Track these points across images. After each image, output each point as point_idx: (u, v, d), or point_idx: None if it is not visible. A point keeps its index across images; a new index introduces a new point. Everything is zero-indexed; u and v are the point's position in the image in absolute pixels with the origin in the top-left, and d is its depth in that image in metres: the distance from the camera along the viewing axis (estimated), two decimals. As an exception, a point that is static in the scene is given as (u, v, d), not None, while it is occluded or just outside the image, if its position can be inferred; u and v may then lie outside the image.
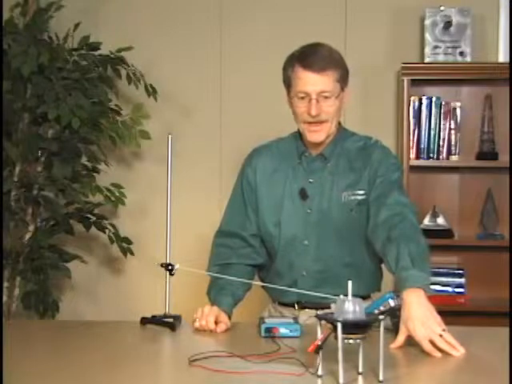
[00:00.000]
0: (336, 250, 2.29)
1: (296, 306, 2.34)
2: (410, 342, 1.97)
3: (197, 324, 2.18)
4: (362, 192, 2.27)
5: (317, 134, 2.26)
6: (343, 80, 2.27)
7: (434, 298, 3.78)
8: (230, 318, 2.25)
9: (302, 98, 2.23)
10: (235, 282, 2.26)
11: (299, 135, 2.36)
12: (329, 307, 2.16)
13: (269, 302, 2.48)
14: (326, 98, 2.22)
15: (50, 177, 3.45)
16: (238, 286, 2.30)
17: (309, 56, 2.24)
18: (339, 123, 2.38)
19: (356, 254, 2.31)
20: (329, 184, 2.30)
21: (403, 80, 3.54)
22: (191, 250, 3.30)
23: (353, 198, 2.27)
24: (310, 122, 2.25)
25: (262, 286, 2.35)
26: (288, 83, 2.28)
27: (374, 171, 2.28)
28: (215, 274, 2.29)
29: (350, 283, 1.71)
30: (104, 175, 3.61)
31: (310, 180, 2.32)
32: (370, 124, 3.77)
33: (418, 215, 2.20)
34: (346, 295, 1.70)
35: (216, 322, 2.17)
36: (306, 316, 2.31)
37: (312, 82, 2.21)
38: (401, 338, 1.95)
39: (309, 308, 2.31)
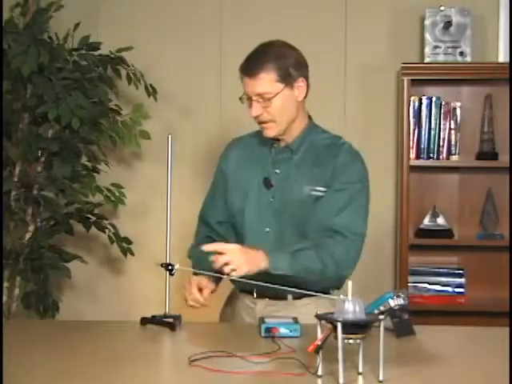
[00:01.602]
0: (294, 240, 2.32)
1: (255, 294, 2.38)
2: (410, 342, 1.97)
3: (190, 303, 2.30)
4: (322, 189, 2.32)
5: (267, 131, 2.35)
6: (287, 78, 2.30)
7: (434, 298, 3.81)
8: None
9: (248, 100, 2.32)
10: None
11: None
12: (286, 298, 2.31)
13: (232, 292, 2.54)
14: (266, 99, 2.29)
15: (50, 177, 3.45)
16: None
17: (246, 61, 2.34)
18: (309, 117, 2.44)
19: None
20: (293, 176, 2.36)
21: (403, 80, 3.53)
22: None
23: (313, 193, 2.32)
24: (257, 122, 2.35)
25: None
26: (242, 86, 2.37)
27: (337, 174, 2.32)
28: (215, 274, 2.29)
29: (349, 283, 1.71)
30: (104, 175, 3.61)
31: (276, 171, 2.38)
32: (370, 124, 3.77)
33: (352, 242, 2.27)
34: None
35: (200, 290, 2.29)
36: (264, 305, 2.37)
37: (249, 85, 2.30)
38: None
39: (267, 297, 2.36)
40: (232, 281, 2.42)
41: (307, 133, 2.40)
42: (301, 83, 2.33)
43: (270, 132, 2.34)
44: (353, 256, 2.29)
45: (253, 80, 2.28)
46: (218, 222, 2.49)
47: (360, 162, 2.38)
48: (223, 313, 2.53)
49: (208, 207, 2.53)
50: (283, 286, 2.15)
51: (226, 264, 2.10)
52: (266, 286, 2.14)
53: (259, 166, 2.40)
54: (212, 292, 2.35)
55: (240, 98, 2.34)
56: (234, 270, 2.10)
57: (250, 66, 2.30)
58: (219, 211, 2.48)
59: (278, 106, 2.29)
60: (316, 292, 2.15)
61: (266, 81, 2.27)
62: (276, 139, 2.39)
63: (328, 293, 2.32)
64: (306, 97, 2.37)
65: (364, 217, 2.34)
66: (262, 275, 2.18)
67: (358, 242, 2.30)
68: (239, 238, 2.40)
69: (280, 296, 2.33)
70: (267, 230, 2.35)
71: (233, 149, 2.51)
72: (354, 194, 2.32)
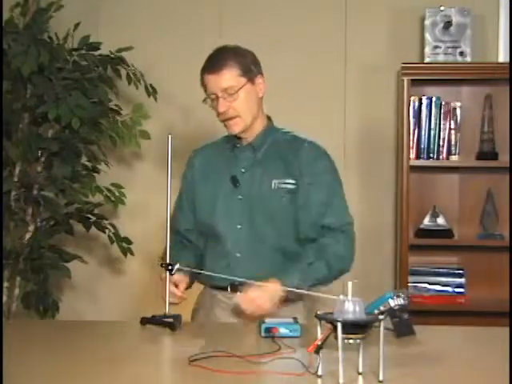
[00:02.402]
0: (267, 235, 2.40)
1: (229, 289, 2.39)
2: (410, 342, 1.97)
3: (175, 300, 2.31)
4: (292, 181, 2.40)
5: (232, 128, 2.42)
6: (248, 73, 2.40)
7: (434, 298, 3.81)
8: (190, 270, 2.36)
9: (213, 99, 2.40)
10: (184, 254, 2.45)
11: None
12: None
13: (202, 291, 2.55)
14: (231, 94, 2.37)
15: (50, 177, 3.45)
16: (188, 256, 2.47)
17: (208, 61, 2.44)
18: (269, 118, 2.51)
19: (287, 239, 2.41)
20: (259, 172, 2.43)
21: (403, 80, 3.54)
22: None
23: (283, 186, 2.40)
24: (223, 119, 2.42)
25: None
26: (203, 89, 2.46)
27: (306, 169, 2.40)
28: (214, 274, 2.34)
29: (349, 284, 1.71)
30: (104, 175, 3.61)
31: (242, 169, 2.44)
32: (370, 124, 3.77)
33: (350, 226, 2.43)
34: (348, 295, 1.70)
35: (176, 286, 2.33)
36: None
37: (214, 81, 2.39)
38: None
39: (241, 292, 2.37)
40: (203, 280, 2.47)
41: (268, 131, 2.48)
42: (260, 80, 2.43)
43: (236, 128, 2.41)
44: (350, 247, 2.42)
45: (216, 76, 2.37)
46: (186, 229, 2.54)
47: (326, 154, 2.47)
48: (196, 313, 2.54)
49: (176, 215, 2.56)
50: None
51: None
52: (243, 280, 2.25)
53: (225, 167, 2.47)
54: (187, 287, 2.39)
55: (204, 100, 2.43)
56: (263, 314, 2.20)
57: (213, 64, 2.40)
58: (187, 219, 2.54)
59: (243, 100, 2.38)
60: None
61: (230, 75, 2.37)
62: (238, 138, 2.45)
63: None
64: (262, 96, 2.46)
65: (346, 206, 2.46)
66: (234, 272, 2.31)
67: (352, 231, 2.43)
68: (209, 239, 2.47)
69: None
70: (239, 226, 2.41)
71: (197, 157, 2.58)
72: (330, 186, 2.43)
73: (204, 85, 2.43)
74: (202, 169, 2.54)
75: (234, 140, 2.48)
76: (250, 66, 2.41)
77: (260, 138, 2.46)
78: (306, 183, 2.40)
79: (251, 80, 2.40)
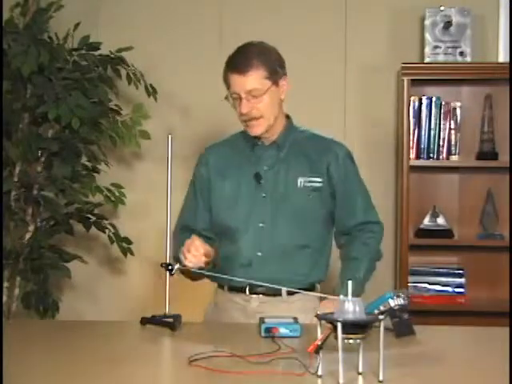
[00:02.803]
0: (291, 232, 2.38)
1: (247, 291, 2.37)
2: (410, 342, 1.97)
3: (191, 260, 2.23)
4: (318, 180, 2.39)
5: (255, 129, 2.37)
6: (274, 75, 2.35)
7: (434, 298, 3.80)
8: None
9: (235, 98, 2.35)
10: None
11: None
12: (280, 294, 2.31)
13: (215, 291, 2.50)
14: (255, 96, 2.32)
15: (50, 177, 3.45)
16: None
17: (233, 59, 2.37)
18: (287, 116, 2.48)
19: (311, 238, 2.40)
20: (283, 170, 2.40)
21: (403, 80, 3.53)
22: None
23: (309, 184, 2.39)
24: (245, 120, 2.36)
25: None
26: (226, 85, 2.40)
27: (337, 166, 2.42)
28: (214, 274, 2.32)
29: (349, 283, 1.72)
30: (104, 175, 3.61)
31: (265, 167, 2.41)
32: (370, 124, 3.77)
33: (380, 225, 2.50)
34: (347, 295, 1.70)
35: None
36: (257, 302, 2.37)
37: (238, 83, 2.33)
38: None
39: (260, 294, 2.37)
40: (217, 280, 2.42)
41: (289, 129, 2.46)
42: (284, 82, 2.39)
43: (258, 129, 2.37)
44: (380, 242, 2.49)
45: (241, 77, 2.31)
46: (204, 228, 2.48)
47: (350, 152, 2.51)
48: (210, 313, 2.49)
49: (191, 215, 2.51)
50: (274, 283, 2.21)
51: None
52: (261, 284, 2.21)
53: (245, 165, 2.43)
54: (207, 261, 2.27)
55: (225, 98, 2.38)
56: None
57: (238, 63, 2.33)
58: (203, 218, 2.48)
59: (267, 102, 2.34)
60: (302, 287, 2.27)
61: (255, 78, 2.32)
62: (258, 138, 2.42)
63: (314, 287, 2.41)
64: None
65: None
66: (254, 271, 2.28)
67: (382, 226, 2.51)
68: (228, 240, 2.42)
69: (274, 292, 2.34)
70: (261, 225, 2.38)
71: (211, 154, 2.53)
72: (362, 184, 2.48)
73: (227, 82, 2.37)
74: (218, 167, 2.48)
75: (252, 138, 2.42)
76: (275, 68, 2.36)
77: (283, 137, 2.43)
78: (339, 182, 2.40)
79: (276, 82, 2.35)
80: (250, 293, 2.38)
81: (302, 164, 2.40)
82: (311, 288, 2.38)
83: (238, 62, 2.34)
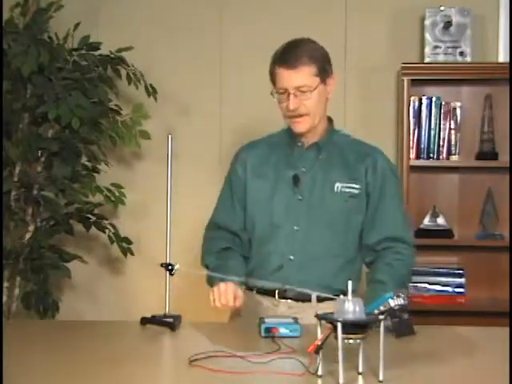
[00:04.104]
0: (326, 239, 2.33)
1: (277, 295, 2.35)
2: (410, 342, 1.97)
3: (217, 304, 2.19)
4: (357, 186, 2.34)
5: (299, 125, 2.33)
6: (323, 73, 2.32)
7: (434, 298, 3.80)
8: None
9: (282, 93, 2.30)
10: (235, 265, 2.33)
11: (290, 128, 2.40)
12: (309, 299, 2.22)
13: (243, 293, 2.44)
14: (304, 92, 2.28)
15: (50, 177, 3.45)
16: (239, 268, 2.34)
17: (285, 53, 2.31)
18: (330, 118, 2.44)
19: (345, 247, 2.36)
20: (321, 174, 2.36)
21: (403, 80, 3.53)
22: (191, 249, 3.30)
23: (347, 190, 2.34)
24: (290, 116, 2.32)
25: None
26: (272, 80, 2.35)
27: (377, 181, 2.36)
28: (215, 274, 2.29)
29: (350, 283, 1.72)
30: (104, 175, 3.61)
31: (303, 169, 2.37)
32: (370, 124, 3.77)
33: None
34: (346, 294, 1.70)
35: (234, 298, 2.20)
36: (286, 307, 2.34)
37: (287, 78, 2.28)
38: None
39: (289, 298, 2.34)
40: (246, 282, 2.39)
41: (331, 132, 2.42)
42: (331, 81, 2.36)
43: (303, 126, 2.33)
44: (408, 267, 2.40)
45: (292, 72, 2.27)
46: (241, 228, 2.43)
47: (393, 165, 2.48)
48: (238, 316, 2.44)
49: (227, 215, 2.45)
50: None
51: None
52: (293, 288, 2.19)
53: (283, 166, 2.38)
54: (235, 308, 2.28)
55: (271, 93, 2.33)
56: None
57: (289, 58, 2.29)
58: (240, 218, 2.43)
59: (315, 100, 2.30)
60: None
61: (306, 74, 2.28)
62: (298, 138, 2.37)
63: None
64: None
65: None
66: (285, 275, 2.25)
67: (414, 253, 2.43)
68: (260, 238, 2.38)
69: (303, 298, 2.28)
70: (296, 228, 2.34)
71: (249, 153, 2.46)
72: (400, 198, 2.44)
73: (273, 76, 2.33)
74: (255, 166, 2.42)
75: (293, 139, 2.39)
76: (325, 66, 2.33)
77: (325, 139, 2.39)
78: (373, 191, 2.35)
79: (324, 81, 2.32)
80: (279, 297, 2.35)
81: (341, 169, 2.35)
82: None
83: (289, 56, 2.29)
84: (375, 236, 2.35)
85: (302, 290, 2.14)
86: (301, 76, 2.27)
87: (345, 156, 2.38)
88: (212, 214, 2.51)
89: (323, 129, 2.40)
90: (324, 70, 2.32)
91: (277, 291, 2.33)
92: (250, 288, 2.41)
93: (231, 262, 2.35)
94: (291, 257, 2.33)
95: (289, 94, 2.28)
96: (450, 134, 3.63)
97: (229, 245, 2.42)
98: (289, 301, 2.34)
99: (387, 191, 2.37)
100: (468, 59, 3.57)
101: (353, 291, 2.33)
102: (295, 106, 2.28)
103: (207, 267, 2.39)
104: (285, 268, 2.33)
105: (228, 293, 2.19)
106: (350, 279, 2.32)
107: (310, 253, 2.33)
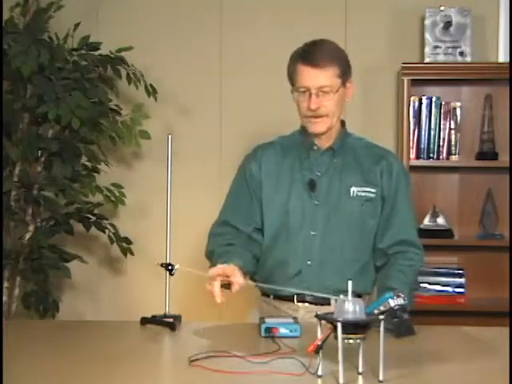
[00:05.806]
0: (342, 245, 2.32)
1: (295, 300, 2.33)
2: (410, 342, 1.97)
3: (208, 287, 2.14)
4: (373, 190, 2.34)
5: (317, 126, 2.31)
6: (344, 75, 2.32)
7: (434, 298, 3.80)
8: (245, 275, 2.22)
9: (303, 92, 2.28)
10: (241, 252, 2.29)
11: (305, 130, 2.38)
12: (329, 303, 2.20)
13: (259, 299, 2.45)
14: (326, 92, 2.27)
15: (50, 177, 3.45)
16: (245, 256, 2.30)
17: (309, 52, 2.29)
18: (343, 122, 2.43)
19: (362, 251, 2.36)
20: (337, 178, 2.34)
21: (403, 80, 3.53)
22: (191, 249, 3.30)
23: (363, 194, 2.33)
24: (309, 116, 2.30)
25: (255, 281, 2.35)
26: (291, 78, 2.33)
27: (392, 185, 2.37)
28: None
29: (350, 283, 1.72)
30: (104, 175, 3.61)
31: (318, 173, 2.35)
32: (370, 124, 3.77)
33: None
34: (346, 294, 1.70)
35: (229, 284, 2.14)
36: (304, 311, 2.33)
37: (311, 76, 2.26)
38: None
39: (308, 302, 2.33)
40: (263, 288, 2.36)
41: (345, 136, 2.41)
42: (350, 84, 2.36)
43: (320, 127, 2.31)
44: (418, 272, 2.40)
45: (315, 70, 2.26)
46: (257, 228, 2.40)
47: (406, 169, 2.51)
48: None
49: (240, 213, 2.41)
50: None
51: None
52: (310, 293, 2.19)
53: (298, 169, 2.36)
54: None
55: (292, 92, 2.31)
56: None
57: (313, 56, 2.27)
58: (256, 218, 2.39)
59: (336, 101, 2.29)
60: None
61: (329, 74, 2.27)
62: (312, 140, 2.35)
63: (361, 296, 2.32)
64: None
65: None
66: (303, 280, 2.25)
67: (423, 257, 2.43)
68: (276, 242, 2.35)
69: (322, 302, 2.26)
70: (313, 233, 2.33)
71: (264, 153, 2.43)
72: (409, 202, 2.43)
73: (294, 75, 2.30)
74: (270, 167, 2.39)
75: (308, 141, 2.37)
76: (346, 68, 2.33)
77: (339, 143, 2.38)
78: (388, 195, 2.35)
79: (344, 83, 2.32)
80: (298, 301, 2.33)
81: (356, 173, 2.35)
82: None
83: (314, 56, 2.27)
84: (388, 240, 2.35)
85: (321, 295, 2.11)
86: (325, 75, 2.26)
87: (359, 160, 2.37)
88: (220, 211, 2.47)
89: (336, 132, 2.39)
90: (345, 72, 2.32)
91: (295, 296, 2.32)
92: (266, 294, 2.40)
93: (237, 248, 2.31)
94: (308, 262, 2.32)
95: (310, 94, 2.26)
96: (449, 133, 3.64)
97: (236, 242, 2.37)
98: (306, 304, 2.33)
99: (401, 195, 2.38)
100: (468, 59, 3.57)
101: (368, 294, 2.36)
102: (316, 106, 2.27)
103: (212, 253, 2.35)
104: (303, 273, 2.31)
105: (215, 279, 2.11)
106: (367, 282, 2.37)
107: (326, 257, 2.32)
